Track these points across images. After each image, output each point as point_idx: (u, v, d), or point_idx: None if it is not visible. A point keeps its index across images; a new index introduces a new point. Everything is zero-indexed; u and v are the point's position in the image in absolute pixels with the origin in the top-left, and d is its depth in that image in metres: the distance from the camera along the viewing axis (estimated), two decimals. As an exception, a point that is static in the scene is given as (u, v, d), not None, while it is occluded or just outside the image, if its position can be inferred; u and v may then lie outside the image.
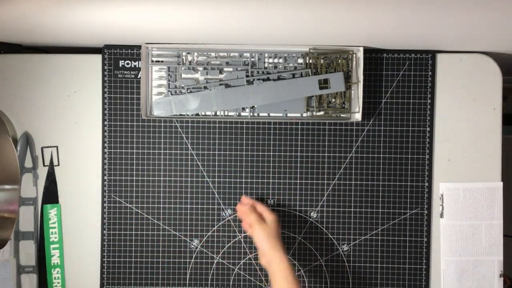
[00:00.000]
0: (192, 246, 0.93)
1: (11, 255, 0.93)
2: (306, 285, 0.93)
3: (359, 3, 0.76)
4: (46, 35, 0.87)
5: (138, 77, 0.92)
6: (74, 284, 0.94)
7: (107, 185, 0.93)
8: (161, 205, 0.93)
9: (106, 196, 0.93)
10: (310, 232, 0.93)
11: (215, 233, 0.93)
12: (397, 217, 0.92)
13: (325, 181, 0.92)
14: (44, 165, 0.93)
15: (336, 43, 0.88)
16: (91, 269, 0.93)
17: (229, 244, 0.93)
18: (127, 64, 0.92)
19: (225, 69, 0.91)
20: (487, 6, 0.76)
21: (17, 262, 0.93)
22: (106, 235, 0.93)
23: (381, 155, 0.92)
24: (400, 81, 0.92)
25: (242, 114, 0.91)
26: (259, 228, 0.84)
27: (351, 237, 0.92)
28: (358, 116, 0.90)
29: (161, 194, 0.93)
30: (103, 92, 0.92)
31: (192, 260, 0.93)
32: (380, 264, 0.92)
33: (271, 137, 0.92)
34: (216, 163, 0.92)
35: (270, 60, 0.90)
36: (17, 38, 0.89)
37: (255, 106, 0.91)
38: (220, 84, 0.89)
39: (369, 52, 0.91)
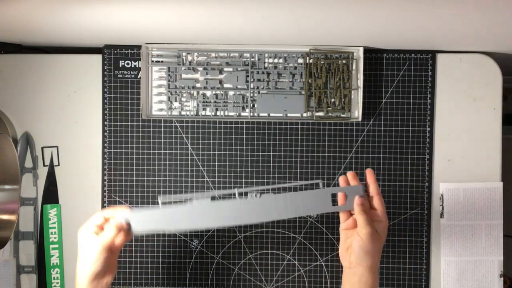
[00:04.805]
0: (192, 246, 0.93)
1: (11, 255, 0.93)
2: (306, 285, 0.93)
3: (359, 3, 0.76)
4: (46, 35, 0.87)
5: (138, 77, 0.92)
6: (73, 284, 0.94)
7: (107, 185, 0.93)
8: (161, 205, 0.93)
9: (106, 196, 0.93)
10: (310, 232, 0.93)
11: (215, 233, 0.93)
12: (397, 217, 0.92)
13: (325, 181, 0.92)
14: (44, 165, 0.93)
15: (336, 43, 0.88)
16: (91, 269, 0.93)
17: (229, 244, 0.93)
18: (127, 64, 0.92)
19: (225, 69, 0.91)
20: (487, 6, 0.76)
21: (16, 262, 0.93)
22: (106, 235, 0.93)
23: (381, 155, 0.92)
24: (400, 81, 0.92)
25: (242, 114, 0.91)
26: (368, 238, 0.66)
27: (351, 237, 0.92)
28: (358, 116, 0.90)
29: (161, 194, 0.93)
30: (103, 92, 0.92)
31: (192, 260, 0.93)
32: (380, 264, 0.92)
33: (271, 137, 0.92)
34: (216, 163, 0.92)
35: (270, 60, 0.90)
36: (17, 38, 0.89)
37: (255, 106, 0.91)
38: (207, 197, 0.71)
39: (369, 52, 0.91)
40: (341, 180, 0.72)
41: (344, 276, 0.71)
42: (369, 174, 0.71)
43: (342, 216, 0.71)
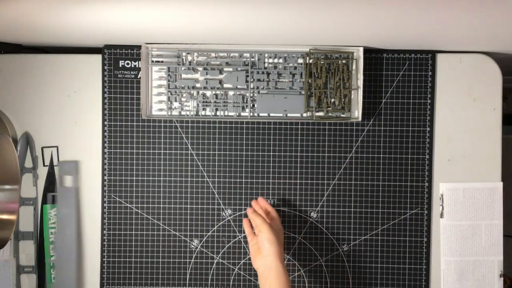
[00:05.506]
0: (192, 246, 0.93)
1: (11, 255, 0.93)
2: (306, 285, 0.93)
3: (359, 3, 0.77)
4: (46, 35, 0.87)
5: (138, 77, 0.92)
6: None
7: (107, 185, 0.93)
8: (161, 205, 0.93)
9: (106, 196, 0.93)
10: (310, 232, 0.93)
11: (215, 233, 0.93)
12: (397, 217, 0.92)
13: (325, 181, 0.92)
14: (44, 165, 0.93)
15: (336, 43, 0.88)
16: (91, 269, 0.93)
17: (229, 244, 0.93)
18: (127, 64, 0.92)
19: (225, 69, 0.91)
20: (487, 6, 0.76)
21: (16, 262, 0.93)
22: (106, 235, 0.93)
23: (381, 155, 0.92)
24: (400, 81, 0.92)
25: (242, 114, 0.91)
26: (269, 231, 0.81)
27: (351, 237, 0.92)
28: (358, 116, 0.90)
29: (161, 194, 0.93)
30: (103, 92, 0.92)
31: (192, 260, 0.93)
32: (380, 264, 0.92)
33: (271, 137, 0.92)
34: (216, 163, 0.92)
35: (270, 60, 0.90)
36: (17, 38, 0.89)
37: (255, 106, 0.91)
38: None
39: (369, 52, 0.91)
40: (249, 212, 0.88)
41: (258, 276, 0.82)
42: (260, 201, 0.90)
43: (249, 237, 0.86)
